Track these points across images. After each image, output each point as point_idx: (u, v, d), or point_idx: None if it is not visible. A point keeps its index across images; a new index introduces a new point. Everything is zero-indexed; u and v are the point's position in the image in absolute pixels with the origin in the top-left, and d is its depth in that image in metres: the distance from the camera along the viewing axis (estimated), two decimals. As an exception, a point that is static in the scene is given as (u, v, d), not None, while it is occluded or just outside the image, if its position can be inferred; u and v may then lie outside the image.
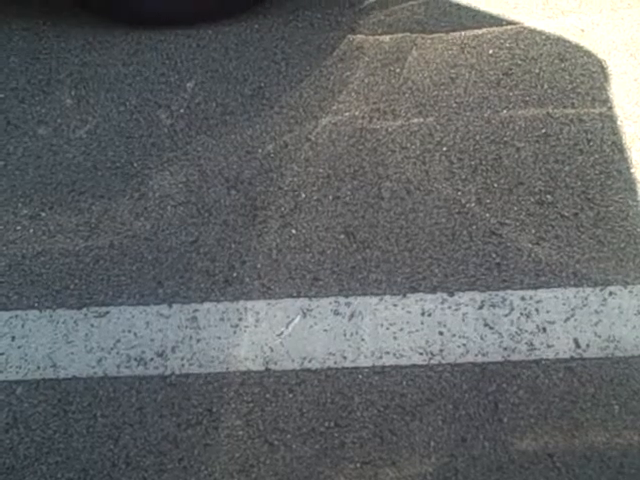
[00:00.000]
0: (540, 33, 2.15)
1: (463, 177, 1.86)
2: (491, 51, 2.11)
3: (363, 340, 1.62)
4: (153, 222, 1.82)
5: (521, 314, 1.64)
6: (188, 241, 1.78)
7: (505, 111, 1.98)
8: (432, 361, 1.59)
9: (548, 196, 1.82)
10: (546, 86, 2.02)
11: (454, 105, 2.00)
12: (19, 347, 1.64)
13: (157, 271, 1.74)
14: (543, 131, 1.93)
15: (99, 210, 1.84)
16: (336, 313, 1.66)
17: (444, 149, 1.91)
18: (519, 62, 2.08)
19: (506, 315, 1.64)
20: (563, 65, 2.07)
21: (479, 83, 2.04)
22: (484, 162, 1.88)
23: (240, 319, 1.66)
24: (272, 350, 1.61)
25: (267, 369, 1.59)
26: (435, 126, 1.96)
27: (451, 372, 1.58)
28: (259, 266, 1.74)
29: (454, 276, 1.70)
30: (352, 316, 1.65)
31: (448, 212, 1.80)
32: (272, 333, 1.64)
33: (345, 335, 1.63)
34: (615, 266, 1.70)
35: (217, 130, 1.98)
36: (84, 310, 1.69)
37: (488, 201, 1.81)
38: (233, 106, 2.03)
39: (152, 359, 1.61)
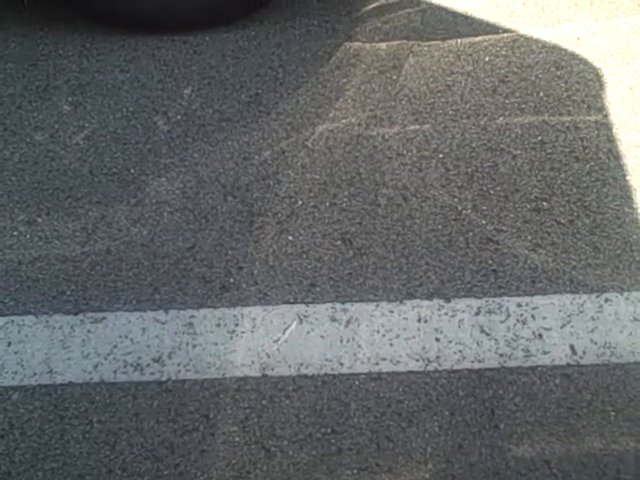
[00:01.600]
0: (536, 41, 2.16)
1: (459, 184, 1.86)
2: (487, 59, 2.12)
3: (360, 346, 1.62)
4: (150, 228, 1.82)
5: (517, 320, 1.65)
6: (185, 247, 1.78)
7: (501, 118, 1.99)
8: (428, 367, 1.59)
9: (544, 203, 1.82)
10: (542, 94, 2.03)
11: (450, 112, 2.00)
12: (15, 353, 1.63)
13: (154, 277, 1.74)
14: (539, 138, 1.94)
15: (96, 216, 1.84)
16: (333, 319, 1.66)
17: (440, 156, 1.92)
18: (515, 70, 2.09)
19: (502, 321, 1.65)
20: (559, 73, 2.08)
21: (475, 90, 2.05)
22: (480, 169, 1.89)
23: (237, 325, 1.66)
24: (269, 356, 1.61)
25: (264, 375, 1.59)
26: (431, 133, 1.96)
27: (447, 378, 1.58)
28: (256, 272, 1.74)
29: (450, 282, 1.71)
30: (349, 322, 1.65)
31: (444, 219, 1.80)
32: (269, 339, 1.64)
33: (342, 341, 1.63)
34: (611, 273, 1.71)
35: (214, 136, 1.99)
36: (80, 316, 1.68)
37: (484, 208, 1.82)
38: (230, 113, 2.04)
39: (148, 365, 1.61)
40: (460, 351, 1.61)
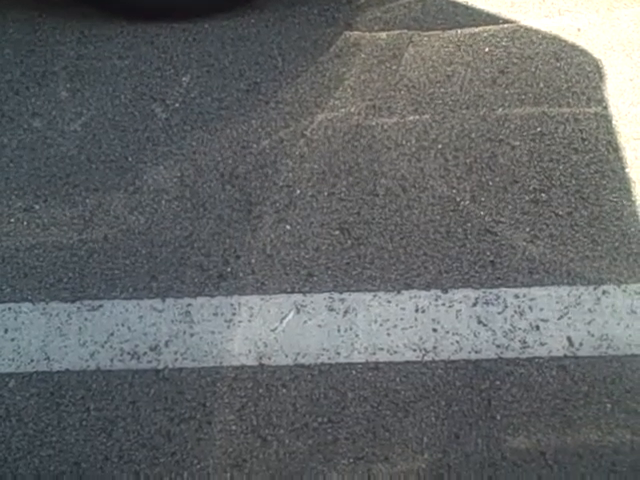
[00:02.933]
0: (536, 32, 2.15)
1: (458, 175, 1.86)
2: (487, 49, 2.11)
3: (357, 336, 1.62)
4: (147, 216, 1.81)
5: (515, 312, 1.65)
6: (182, 235, 1.78)
7: (500, 109, 1.98)
8: (425, 358, 1.59)
9: (543, 195, 1.82)
10: (542, 85, 2.03)
11: (450, 103, 2.00)
12: (12, 340, 1.63)
13: (151, 265, 1.73)
14: (538, 130, 1.94)
15: (93, 203, 1.84)
16: (330, 309, 1.66)
17: (439, 146, 1.91)
18: (515, 60, 2.09)
19: (500, 313, 1.65)
20: (559, 64, 2.08)
21: (475, 81, 2.05)
22: (479, 160, 1.88)
23: (234, 314, 1.66)
24: (266, 345, 1.61)
25: (261, 364, 1.59)
26: (431, 123, 1.96)
27: (444, 369, 1.58)
28: (253, 261, 1.73)
29: (448, 273, 1.71)
30: (346, 312, 1.65)
31: (443, 209, 1.80)
32: (266, 328, 1.64)
33: (339, 331, 1.63)
34: (609, 265, 1.71)
35: (212, 125, 1.98)
36: (77, 303, 1.68)
37: (483, 199, 1.81)
38: (229, 101, 2.03)
39: (145, 353, 1.61)
40: (457, 342, 1.61)
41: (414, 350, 1.60)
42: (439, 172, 1.86)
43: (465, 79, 2.05)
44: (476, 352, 1.60)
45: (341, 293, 1.68)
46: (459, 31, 2.16)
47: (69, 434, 1.52)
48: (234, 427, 1.52)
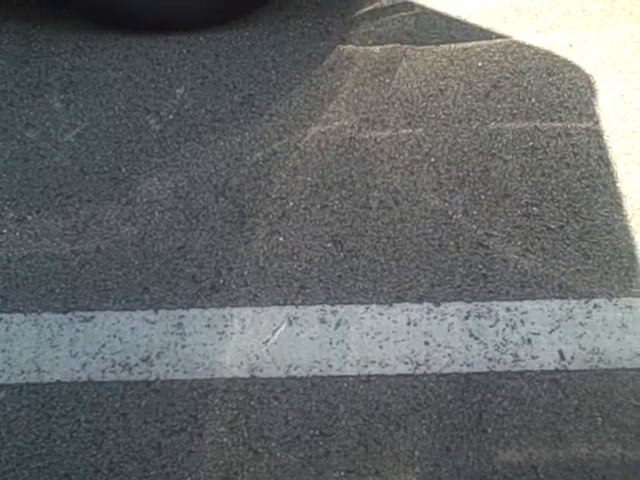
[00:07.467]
0: (529, 47, 2.17)
1: (451, 188, 1.87)
2: (480, 64, 2.13)
3: (349, 349, 1.62)
4: (140, 227, 1.81)
5: (506, 325, 1.65)
6: (175, 247, 1.78)
7: (493, 123, 1.99)
8: (417, 371, 1.59)
9: (534, 208, 1.83)
10: (534, 100, 2.04)
11: (443, 116, 2.01)
12: (3, 351, 1.62)
13: (143, 276, 1.73)
14: (530, 144, 1.95)
15: (86, 214, 1.83)
16: (322, 321, 1.66)
17: (432, 160, 1.92)
18: (507, 75, 2.10)
19: (491, 326, 1.65)
20: (551, 79, 2.09)
21: (468, 95, 2.06)
22: (472, 174, 1.89)
23: (226, 326, 1.66)
24: (258, 357, 1.61)
25: (252, 376, 1.59)
26: (423, 137, 1.97)
27: (436, 382, 1.58)
28: (246, 273, 1.73)
29: (440, 286, 1.71)
30: (338, 324, 1.65)
31: (435, 223, 1.81)
32: (258, 340, 1.63)
33: (331, 343, 1.63)
34: (600, 279, 1.71)
35: (206, 137, 1.99)
36: (69, 314, 1.68)
37: (475, 212, 1.82)
38: (222, 113, 2.04)
39: (137, 364, 1.61)
40: (449, 355, 1.61)
41: (406, 363, 1.60)
42: (432, 185, 1.87)
43: (458, 93, 2.06)
44: (468, 365, 1.60)
45: (333, 305, 1.68)
46: (452, 46, 2.18)
47: (59, 446, 1.51)
48: (225, 439, 1.51)
